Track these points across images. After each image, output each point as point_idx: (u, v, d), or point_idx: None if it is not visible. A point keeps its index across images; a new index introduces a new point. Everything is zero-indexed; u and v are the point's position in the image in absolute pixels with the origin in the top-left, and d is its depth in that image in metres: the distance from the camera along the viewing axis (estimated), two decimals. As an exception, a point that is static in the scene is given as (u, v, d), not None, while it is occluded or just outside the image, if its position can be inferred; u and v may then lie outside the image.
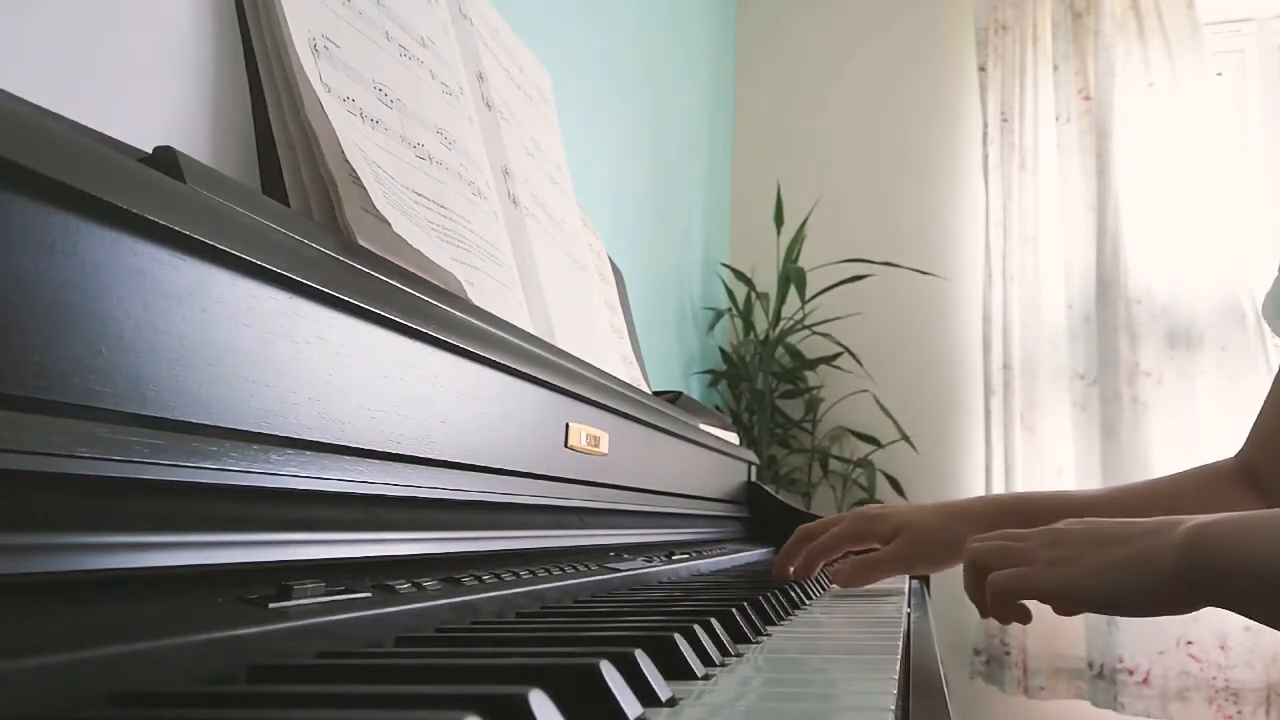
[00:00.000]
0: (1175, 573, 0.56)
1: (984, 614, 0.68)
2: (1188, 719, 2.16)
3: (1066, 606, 0.62)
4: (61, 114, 0.34)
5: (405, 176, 0.56)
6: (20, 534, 0.25)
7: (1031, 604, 0.65)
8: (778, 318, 2.51)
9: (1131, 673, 2.20)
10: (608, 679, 0.29)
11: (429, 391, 0.47)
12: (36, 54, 0.37)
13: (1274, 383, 0.84)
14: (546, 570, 0.60)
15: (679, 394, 1.27)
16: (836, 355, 2.53)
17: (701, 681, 0.37)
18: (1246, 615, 0.56)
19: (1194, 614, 0.59)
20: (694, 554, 0.95)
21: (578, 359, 0.69)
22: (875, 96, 2.78)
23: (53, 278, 0.27)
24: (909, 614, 0.68)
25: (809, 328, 2.53)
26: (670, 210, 2.30)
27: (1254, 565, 0.53)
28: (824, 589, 0.90)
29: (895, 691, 0.36)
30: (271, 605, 0.34)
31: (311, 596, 0.36)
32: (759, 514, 1.28)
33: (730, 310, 2.63)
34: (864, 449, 2.55)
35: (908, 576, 0.98)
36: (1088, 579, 0.60)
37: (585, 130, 1.68)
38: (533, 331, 0.68)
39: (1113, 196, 2.38)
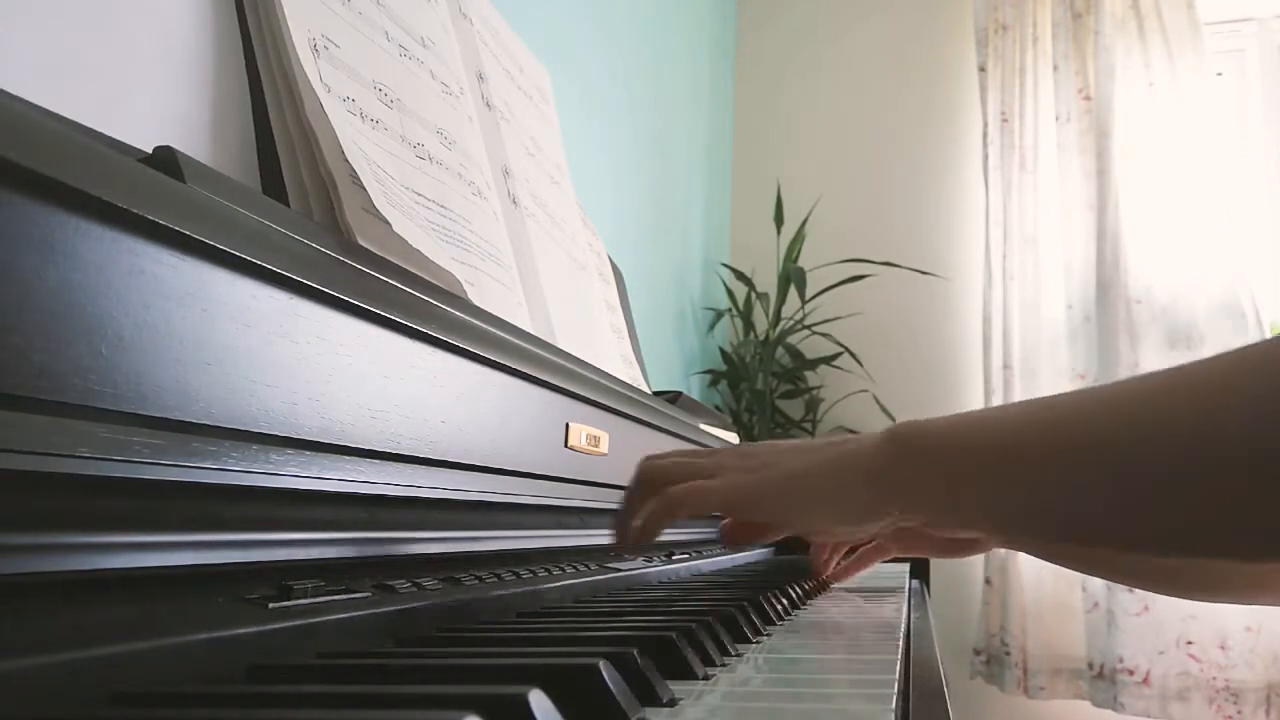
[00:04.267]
0: (874, 460, 0.50)
1: (624, 546, 0.59)
2: (1188, 719, 2.17)
3: (750, 512, 0.55)
4: (61, 114, 0.34)
5: (405, 176, 0.56)
6: (20, 534, 0.25)
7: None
8: (778, 318, 2.51)
9: (1131, 673, 2.20)
10: (607, 679, 0.29)
11: (429, 391, 0.47)
12: (36, 54, 0.37)
13: None
14: (546, 570, 0.60)
15: (679, 394, 1.27)
16: (836, 355, 2.53)
17: (701, 681, 0.37)
18: (947, 517, 0.48)
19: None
20: (694, 554, 0.95)
21: (578, 359, 0.69)
22: (875, 96, 2.78)
23: (53, 278, 0.27)
24: (909, 614, 0.68)
25: (809, 328, 2.53)
26: (670, 210, 2.30)
27: (964, 440, 0.47)
28: (824, 589, 0.90)
29: (895, 691, 0.36)
30: (271, 605, 0.34)
31: (311, 596, 0.36)
32: (759, 514, 1.28)
33: (730, 310, 2.63)
34: (864, 449, 2.55)
35: (907, 576, 0.98)
36: (778, 482, 0.53)
37: (585, 130, 1.68)
38: (533, 331, 0.68)
39: (1113, 196, 2.38)
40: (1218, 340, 2.30)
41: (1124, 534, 0.43)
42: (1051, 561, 0.69)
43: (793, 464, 0.54)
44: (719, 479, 0.55)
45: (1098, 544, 0.43)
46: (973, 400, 2.57)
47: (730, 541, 0.60)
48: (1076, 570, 0.49)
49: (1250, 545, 0.39)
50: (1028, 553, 0.70)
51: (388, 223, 0.49)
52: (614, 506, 0.73)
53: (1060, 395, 0.46)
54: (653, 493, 0.57)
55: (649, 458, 0.61)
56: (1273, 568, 0.54)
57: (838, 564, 0.89)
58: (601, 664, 0.29)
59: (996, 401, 2.45)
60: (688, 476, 0.56)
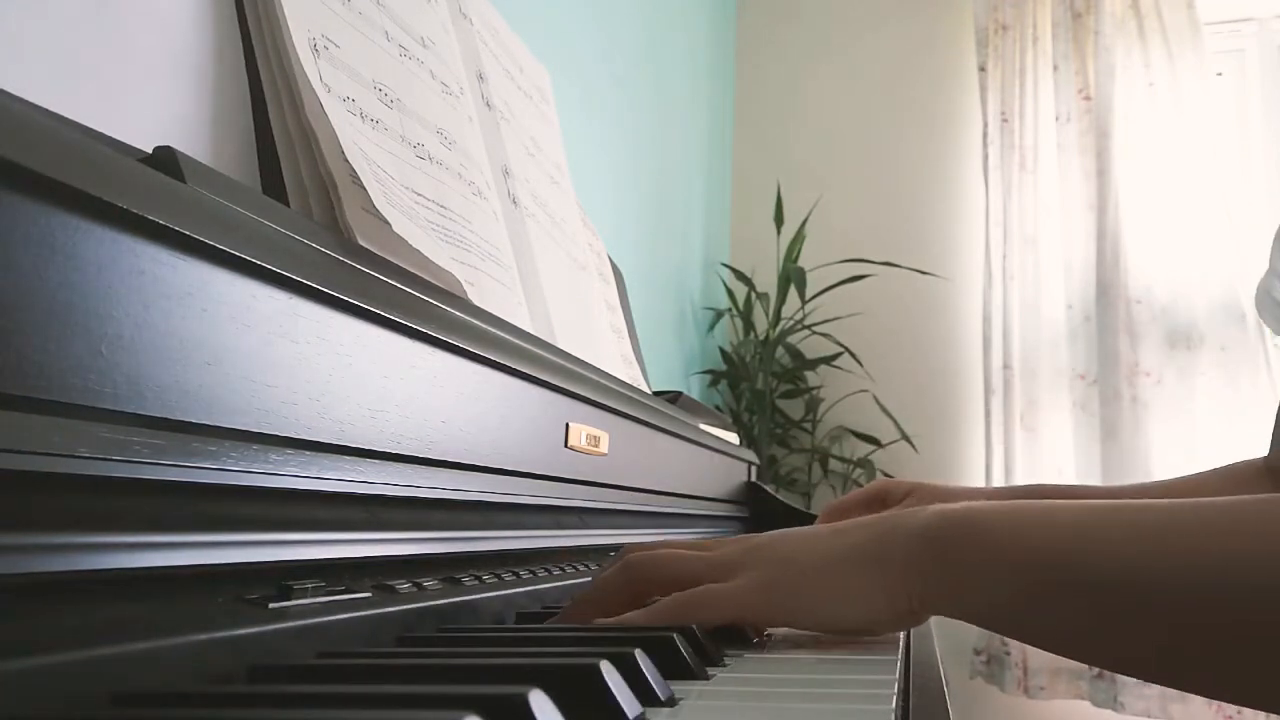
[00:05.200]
0: (910, 551, 0.44)
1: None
2: (1188, 719, 2.17)
3: (771, 618, 0.47)
4: (61, 114, 0.34)
5: (405, 176, 0.56)
6: (20, 534, 0.25)
7: None
8: (778, 318, 2.51)
9: (1131, 673, 2.20)
10: (608, 679, 0.29)
11: (429, 391, 0.47)
12: (37, 54, 0.37)
13: None
14: (546, 570, 0.60)
15: (679, 394, 1.27)
16: (836, 355, 2.53)
17: (701, 681, 0.37)
18: (987, 622, 0.44)
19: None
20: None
21: (578, 359, 0.69)
22: (875, 96, 2.78)
23: (53, 278, 0.27)
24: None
25: (809, 328, 2.53)
26: (670, 210, 2.30)
27: (1004, 555, 0.42)
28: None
29: (895, 691, 0.36)
30: (271, 605, 0.34)
31: (311, 596, 0.36)
32: (759, 514, 1.28)
33: (730, 310, 2.63)
34: (864, 449, 2.55)
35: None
36: (800, 578, 0.46)
37: (585, 130, 1.68)
38: (533, 331, 0.68)
39: (1113, 196, 2.39)
40: (1217, 340, 2.30)
41: (1193, 684, 0.39)
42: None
43: (814, 553, 0.47)
44: (735, 581, 0.47)
45: (1170, 686, 0.40)
46: (973, 400, 2.57)
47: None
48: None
49: None
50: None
51: (388, 223, 0.49)
52: (614, 506, 0.72)
53: (1122, 510, 0.41)
54: (643, 590, 0.49)
55: (637, 547, 0.52)
56: None
57: None
58: (602, 664, 0.29)
59: (996, 401, 2.45)
60: (694, 577, 0.48)
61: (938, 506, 0.45)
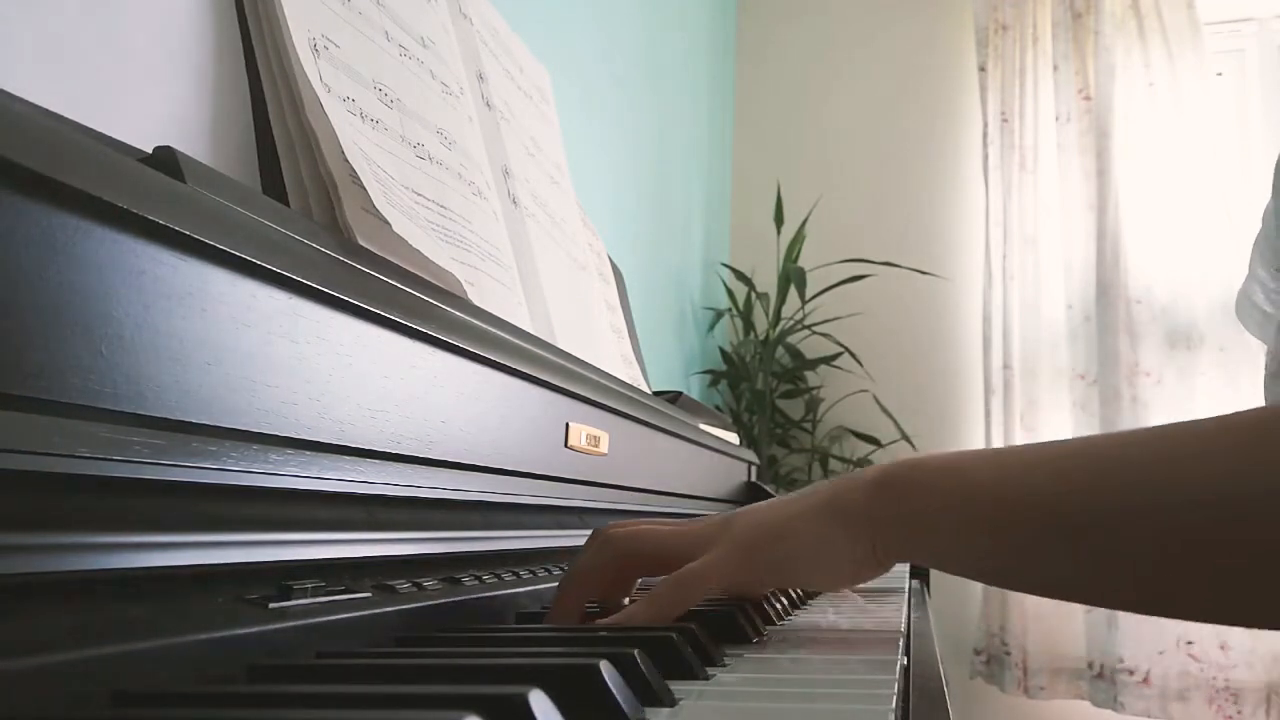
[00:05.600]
0: (854, 501, 0.47)
1: (565, 619, 0.49)
2: (1188, 719, 2.16)
3: (750, 584, 0.50)
4: (61, 114, 0.34)
5: (405, 176, 0.56)
6: (20, 534, 0.25)
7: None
8: (778, 318, 2.51)
9: (1131, 673, 2.20)
10: (608, 679, 0.29)
11: (429, 391, 0.46)
12: (36, 54, 0.37)
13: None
14: (546, 570, 0.60)
15: (679, 394, 1.26)
16: (836, 355, 2.53)
17: (701, 681, 0.37)
18: (944, 562, 0.47)
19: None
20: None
21: (578, 359, 0.69)
22: (875, 96, 2.78)
23: (53, 278, 0.27)
24: (909, 614, 0.68)
25: (809, 328, 2.53)
26: (670, 210, 2.30)
27: (958, 493, 0.45)
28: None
29: (895, 692, 0.36)
30: (271, 605, 0.34)
31: (311, 596, 0.36)
32: (759, 514, 1.28)
33: (730, 310, 2.63)
34: (864, 449, 2.55)
35: (908, 576, 0.98)
36: (768, 541, 0.48)
37: (585, 130, 1.68)
38: (533, 331, 0.68)
39: (1113, 196, 2.39)
40: (1217, 340, 2.30)
41: (1105, 599, 0.44)
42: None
43: (782, 515, 0.49)
44: (714, 552, 0.48)
45: (1088, 604, 0.45)
46: (973, 400, 2.57)
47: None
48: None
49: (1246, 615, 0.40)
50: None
51: (388, 223, 0.49)
52: (614, 506, 0.73)
53: (1044, 450, 0.45)
54: (626, 565, 0.51)
55: (612, 526, 0.53)
56: None
57: None
58: (602, 664, 0.29)
59: (996, 401, 2.45)
60: (674, 551, 0.50)
61: (880, 465, 0.49)
